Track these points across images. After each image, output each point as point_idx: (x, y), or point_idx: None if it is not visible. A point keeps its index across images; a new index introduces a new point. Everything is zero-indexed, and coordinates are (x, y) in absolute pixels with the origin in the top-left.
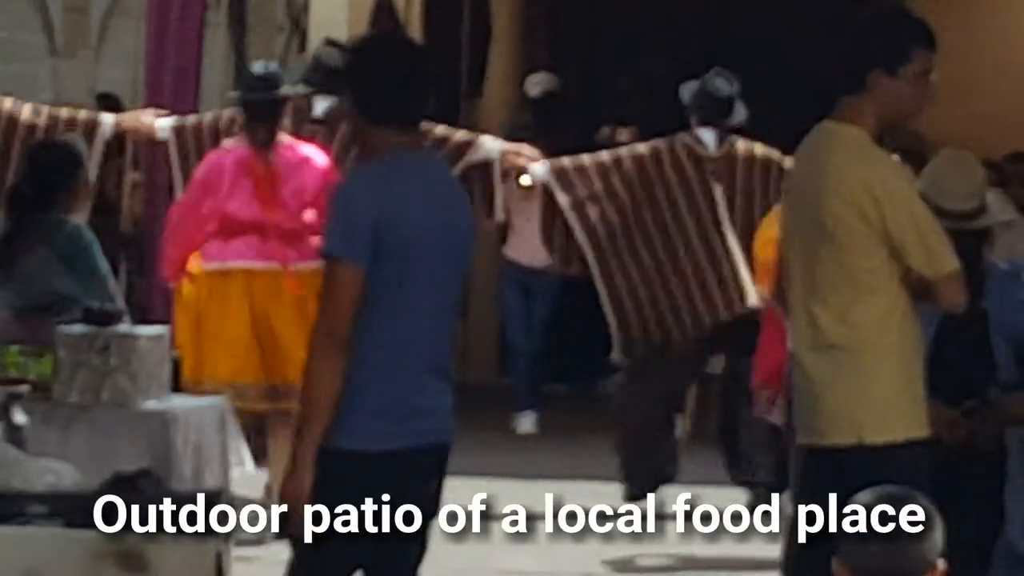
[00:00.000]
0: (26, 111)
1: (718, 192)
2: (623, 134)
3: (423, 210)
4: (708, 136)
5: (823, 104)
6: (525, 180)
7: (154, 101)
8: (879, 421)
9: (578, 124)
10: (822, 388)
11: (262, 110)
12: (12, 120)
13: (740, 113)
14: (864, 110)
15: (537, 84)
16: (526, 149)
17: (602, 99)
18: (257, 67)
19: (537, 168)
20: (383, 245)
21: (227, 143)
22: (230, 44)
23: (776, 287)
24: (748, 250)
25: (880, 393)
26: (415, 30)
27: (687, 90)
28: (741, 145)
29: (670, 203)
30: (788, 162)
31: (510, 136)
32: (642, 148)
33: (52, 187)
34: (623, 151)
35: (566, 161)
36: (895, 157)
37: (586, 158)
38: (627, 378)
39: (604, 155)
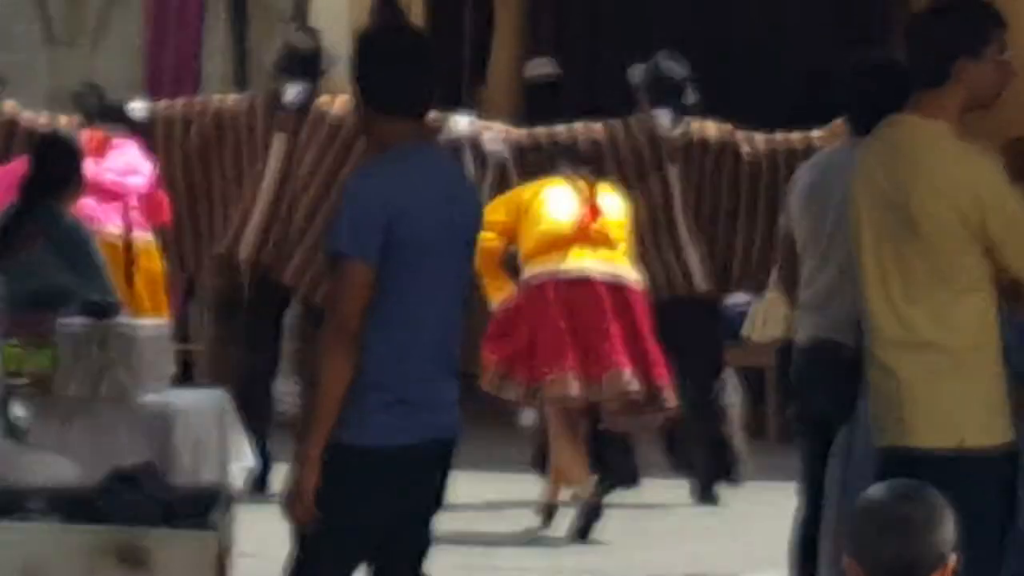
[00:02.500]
0: (26, 115)
1: (673, 173)
2: None
3: (433, 205)
4: (663, 117)
5: (823, 92)
6: None
7: (154, 90)
8: (981, 424)
9: (581, 111)
10: (915, 388)
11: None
12: (12, 123)
13: (691, 95)
14: (947, 101)
15: (535, 68)
16: (496, 126)
17: (606, 87)
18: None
19: (490, 137)
20: (393, 241)
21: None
22: (230, 33)
23: (784, 277)
24: (712, 232)
25: (982, 395)
26: (417, 18)
27: (637, 72)
28: (696, 126)
29: (620, 180)
30: (741, 136)
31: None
32: (598, 126)
33: (54, 180)
34: (579, 126)
35: (523, 134)
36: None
37: (542, 132)
38: None
39: (560, 130)
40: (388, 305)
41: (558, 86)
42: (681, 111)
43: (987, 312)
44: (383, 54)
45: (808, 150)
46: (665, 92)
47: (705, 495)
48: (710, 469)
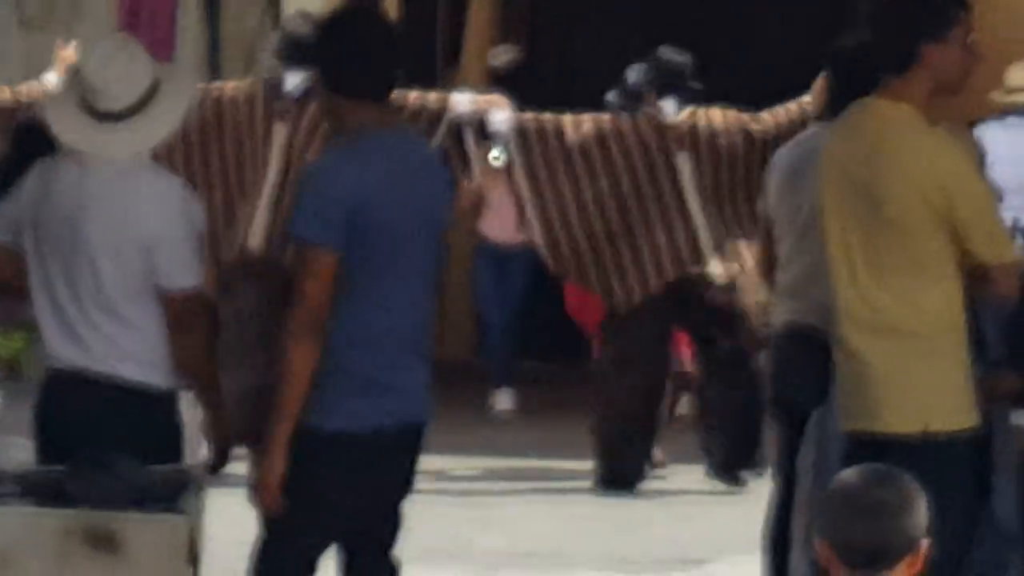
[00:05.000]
0: (6, 93)
1: (682, 158)
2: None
3: (399, 190)
4: (669, 106)
5: (797, 78)
6: (493, 155)
7: None
8: (947, 409)
9: (553, 98)
10: (883, 373)
11: None
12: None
13: (694, 82)
14: (914, 86)
15: (499, 55)
16: (498, 99)
17: (579, 73)
18: None
19: (498, 117)
20: (358, 226)
21: None
22: (204, 16)
23: (762, 262)
24: (722, 215)
25: (949, 380)
26: (392, 3)
27: (636, 71)
28: (702, 113)
29: (628, 170)
30: (746, 117)
31: None
32: (604, 117)
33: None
34: (585, 117)
35: (528, 119)
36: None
37: (548, 119)
38: (608, 364)
39: (566, 119)
40: (356, 289)
41: (523, 72)
42: (686, 99)
43: (954, 297)
44: (346, 37)
45: (805, 116)
46: (668, 82)
47: (730, 477)
48: (737, 451)
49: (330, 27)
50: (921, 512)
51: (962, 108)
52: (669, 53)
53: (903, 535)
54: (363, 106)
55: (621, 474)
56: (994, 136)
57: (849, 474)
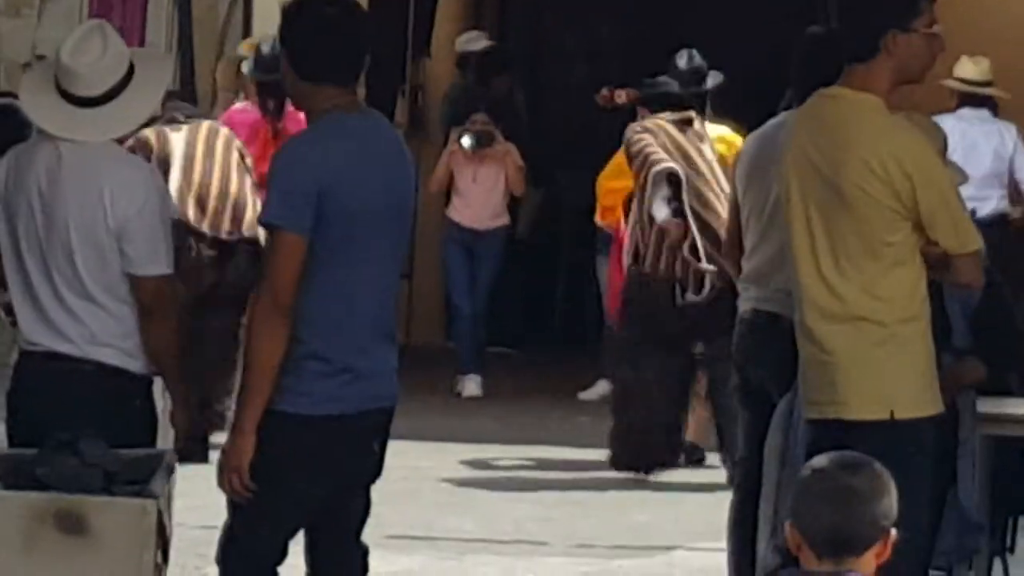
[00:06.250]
0: None
1: (707, 150)
2: (621, 96)
3: (365, 173)
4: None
5: (770, 70)
6: (465, 142)
7: None
8: (911, 396)
9: (523, 84)
10: (846, 361)
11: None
12: None
13: (713, 78)
14: (877, 75)
15: (467, 43)
16: None
17: (549, 60)
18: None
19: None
20: (326, 211)
21: (238, 105)
22: (174, 4)
23: (729, 250)
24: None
25: (913, 367)
26: None
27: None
28: (708, 124)
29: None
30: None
31: (456, 103)
32: (636, 133)
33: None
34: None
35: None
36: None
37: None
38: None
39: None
40: (325, 274)
41: (492, 58)
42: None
43: (917, 285)
44: (311, 22)
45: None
46: (686, 82)
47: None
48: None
49: (296, 11)
50: (891, 500)
51: (915, 96)
52: (684, 54)
53: (873, 523)
54: (329, 91)
55: (640, 459)
56: (949, 129)
57: (820, 460)
